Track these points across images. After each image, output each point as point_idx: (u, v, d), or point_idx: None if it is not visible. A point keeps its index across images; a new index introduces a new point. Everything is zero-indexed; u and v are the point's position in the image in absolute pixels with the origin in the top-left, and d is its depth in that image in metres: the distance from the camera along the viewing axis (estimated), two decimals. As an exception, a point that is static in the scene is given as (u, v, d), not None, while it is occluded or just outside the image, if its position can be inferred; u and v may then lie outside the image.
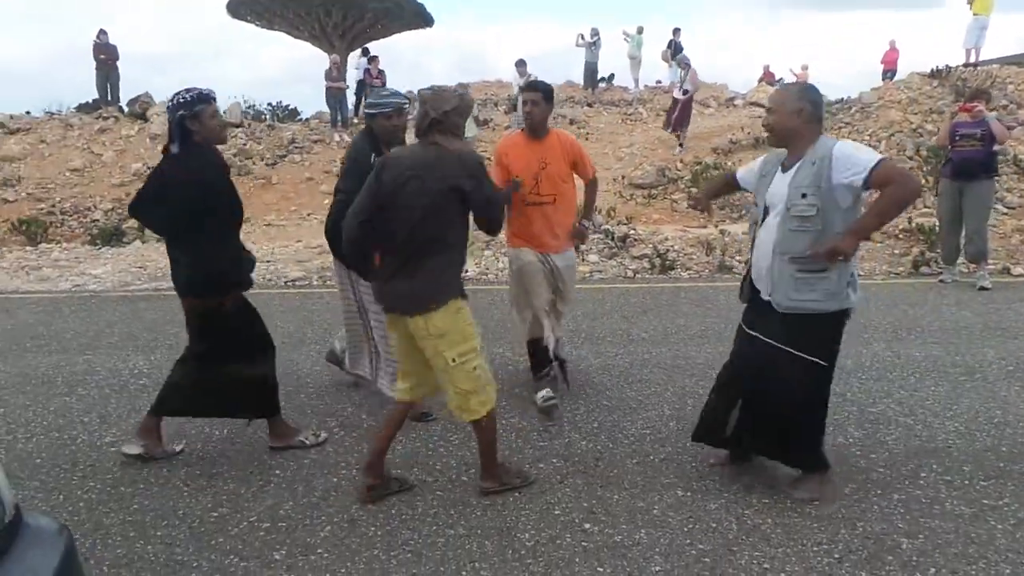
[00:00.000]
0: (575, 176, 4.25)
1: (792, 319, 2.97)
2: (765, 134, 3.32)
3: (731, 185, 3.52)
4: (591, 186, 4.40)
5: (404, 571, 2.65)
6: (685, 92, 13.50)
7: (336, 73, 15.63)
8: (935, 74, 14.96)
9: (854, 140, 13.19)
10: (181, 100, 3.15)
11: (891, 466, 3.44)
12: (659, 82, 20.81)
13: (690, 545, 2.80)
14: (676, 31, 18.17)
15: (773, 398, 3.07)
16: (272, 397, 3.63)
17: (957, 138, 6.96)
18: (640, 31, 18.86)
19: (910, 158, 12.09)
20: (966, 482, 3.27)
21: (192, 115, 3.15)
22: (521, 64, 14.51)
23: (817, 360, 3.00)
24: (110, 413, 4.21)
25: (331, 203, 3.96)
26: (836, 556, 2.72)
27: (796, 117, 2.95)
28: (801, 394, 3.04)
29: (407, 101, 3.97)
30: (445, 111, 2.92)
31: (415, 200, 2.89)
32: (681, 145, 13.92)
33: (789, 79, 21.85)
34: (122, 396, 4.46)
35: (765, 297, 3.08)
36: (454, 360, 2.93)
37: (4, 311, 6.76)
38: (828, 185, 2.84)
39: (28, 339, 5.78)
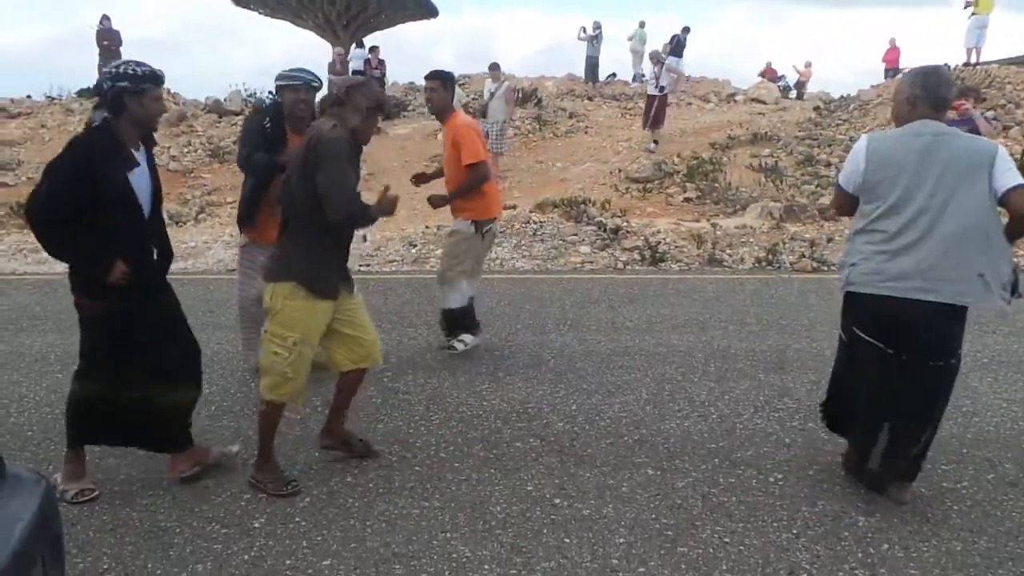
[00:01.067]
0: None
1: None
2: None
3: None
4: (467, 171, 4.50)
5: (378, 540, 2.76)
6: (661, 89, 13.01)
7: (340, 67, 15.42)
8: (934, 72, 14.98)
9: (852, 136, 13.33)
10: (128, 71, 2.77)
11: (857, 450, 3.54)
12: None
13: (655, 520, 2.90)
14: (685, 29, 18.17)
15: None
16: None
17: None
18: (642, 25, 18.92)
19: (905, 156, 12.15)
20: (928, 466, 3.34)
21: (137, 91, 2.78)
22: (495, 68, 12.92)
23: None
24: (102, 389, 4.31)
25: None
26: (794, 532, 2.82)
27: (907, 105, 2.89)
28: None
29: (317, 80, 4.11)
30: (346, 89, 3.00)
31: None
32: (656, 142, 13.38)
33: (791, 76, 21.93)
34: (114, 373, 4.56)
35: None
36: (266, 331, 3.02)
37: (1, 292, 6.87)
38: None
39: (24, 319, 5.89)
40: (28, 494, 1.62)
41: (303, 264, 2.95)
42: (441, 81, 4.51)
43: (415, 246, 8.92)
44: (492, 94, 12.16)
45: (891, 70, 19.05)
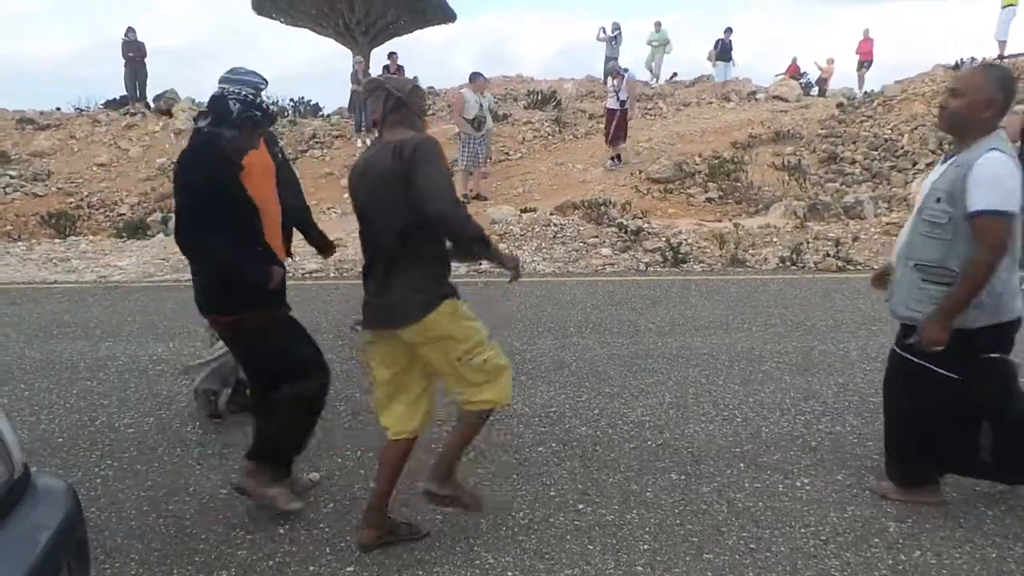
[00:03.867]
0: None
1: (907, 329, 2.82)
2: (940, 119, 2.80)
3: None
4: None
5: (401, 546, 2.75)
6: (621, 103, 12.35)
7: (362, 76, 15.41)
8: (959, 66, 14.74)
9: (876, 133, 13.13)
10: (264, 106, 2.88)
11: (887, 453, 3.47)
12: (675, 75, 20.77)
13: (679, 526, 2.87)
14: (727, 31, 18.05)
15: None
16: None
17: None
18: (658, 27, 18.85)
19: (932, 151, 11.94)
20: (960, 469, 3.29)
21: (255, 124, 2.84)
22: (477, 77, 11.33)
23: (946, 372, 2.71)
24: (128, 397, 4.37)
25: None
26: (823, 538, 2.77)
27: (987, 108, 2.59)
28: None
29: (265, 83, 3.69)
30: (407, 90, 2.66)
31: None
32: (617, 158, 12.70)
33: (814, 73, 21.67)
34: (141, 381, 4.63)
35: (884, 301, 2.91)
36: (458, 360, 2.61)
37: (33, 300, 7.00)
38: (961, 197, 2.55)
39: (55, 327, 5.99)
40: (54, 501, 1.64)
41: (436, 281, 2.61)
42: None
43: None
44: (482, 105, 10.99)
45: (866, 62, 18.97)
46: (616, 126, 12.60)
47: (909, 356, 2.80)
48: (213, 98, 2.85)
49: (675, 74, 21.00)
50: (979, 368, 2.71)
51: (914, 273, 2.74)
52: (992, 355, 2.73)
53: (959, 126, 2.69)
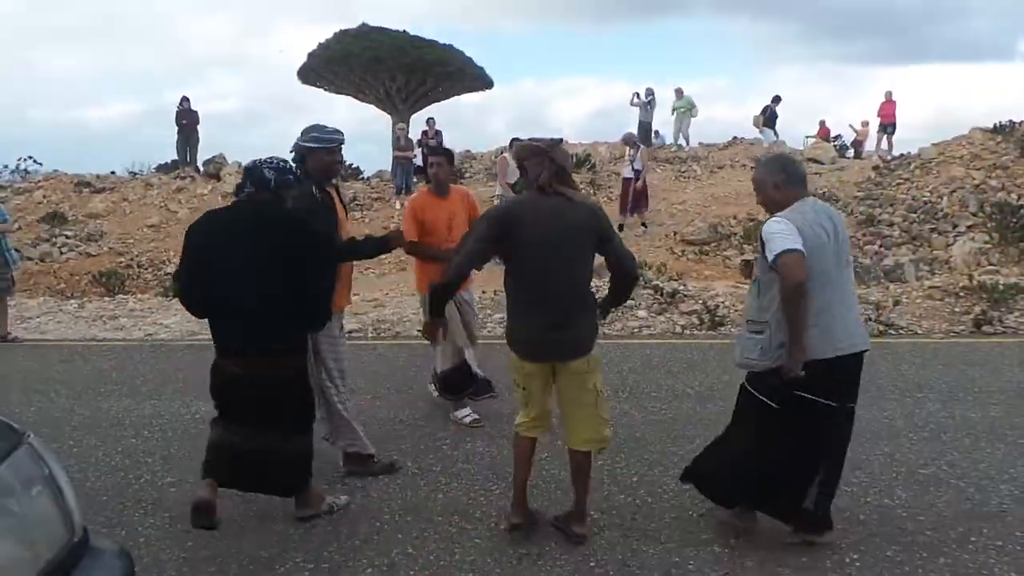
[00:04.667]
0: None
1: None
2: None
3: None
4: None
5: (439, 615, 2.73)
6: (636, 173, 12.61)
7: (403, 142, 15.86)
8: (998, 129, 14.66)
9: (914, 195, 13.04)
10: (294, 171, 3.44)
11: (939, 529, 3.35)
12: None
13: (724, 601, 2.79)
14: (776, 99, 18.37)
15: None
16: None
17: None
18: (679, 94, 19.04)
19: (974, 214, 11.80)
20: (1018, 548, 3.16)
21: (288, 186, 3.35)
22: (516, 141, 11.95)
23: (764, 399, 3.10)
24: (172, 455, 4.45)
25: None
26: (875, 618, 2.67)
27: (776, 190, 3.12)
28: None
29: (344, 137, 3.94)
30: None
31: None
32: (644, 226, 13.14)
33: (848, 135, 21.74)
34: (184, 439, 4.71)
35: None
36: (599, 390, 3.21)
37: (82, 358, 7.22)
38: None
39: (102, 384, 6.16)
40: (110, 566, 1.68)
41: (596, 329, 3.24)
42: (446, 157, 4.94)
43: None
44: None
45: (889, 125, 18.77)
46: (635, 195, 12.75)
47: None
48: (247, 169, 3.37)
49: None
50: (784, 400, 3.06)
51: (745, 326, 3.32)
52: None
53: (771, 211, 3.16)
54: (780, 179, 3.11)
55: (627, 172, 12.85)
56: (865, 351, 3.12)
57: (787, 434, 3.03)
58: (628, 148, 13.08)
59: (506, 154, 12.27)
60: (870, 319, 7.96)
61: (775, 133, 18.64)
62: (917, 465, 4.09)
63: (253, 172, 3.27)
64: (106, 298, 11.15)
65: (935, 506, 3.60)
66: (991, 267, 9.96)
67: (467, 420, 4.85)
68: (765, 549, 3.18)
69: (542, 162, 3.07)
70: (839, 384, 3.05)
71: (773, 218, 3.04)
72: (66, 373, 6.55)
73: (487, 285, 9.84)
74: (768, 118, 18.16)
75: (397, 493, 3.83)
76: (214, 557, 3.19)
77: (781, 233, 2.92)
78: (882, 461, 4.16)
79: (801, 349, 2.90)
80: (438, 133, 16.50)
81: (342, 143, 3.95)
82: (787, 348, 2.94)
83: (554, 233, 3.04)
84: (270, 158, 3.35)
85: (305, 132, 3.83)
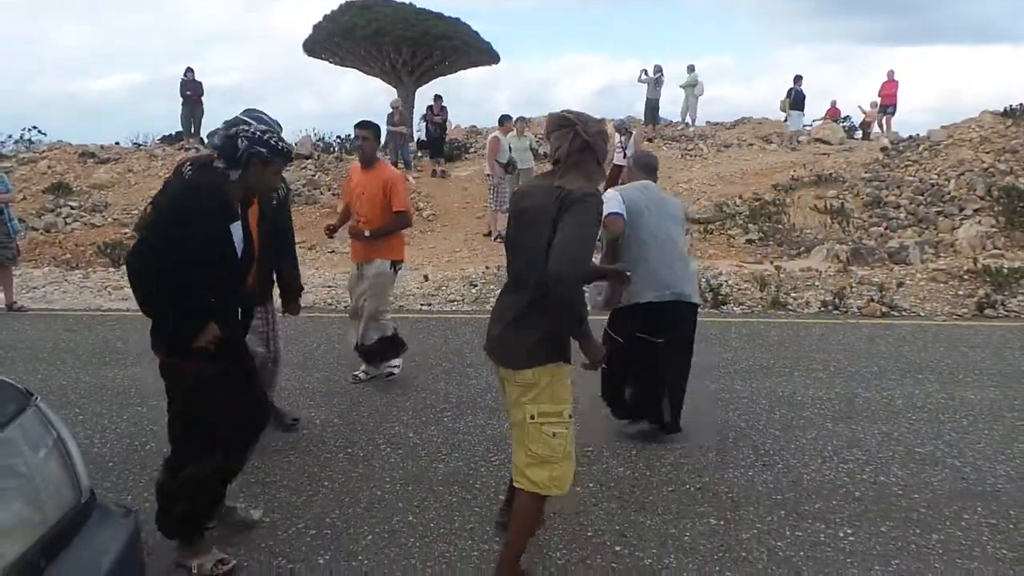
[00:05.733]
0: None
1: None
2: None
3: None
4: (396, 216, 4.94)
5: (438, 582, 2.78)
6: (628, 159, 12.67)
7: (398, 117, 15.66)
8: (1008, 113, 14.51)
9: (921, 178, 12.95)
10: (270, 141, 2.66)
11: (934, 507, 3.39)
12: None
13: (718, 572, 2.84)
14: (797, 79, 18.11)
15: None
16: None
17: None
18: (691, 69, 18.99)
19: (981, 198, 11.72)
20: (1011, 526, 3.20)
21: (267, 160, 2.69)
22: (505, 119, 12.40)
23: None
24: (177, 423, 4.50)
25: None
26: (866, 591, 2.72)
27: (628, 173, 4.37)
28: None
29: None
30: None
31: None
32: None
33: (856, 116, 21.52)
34: (188, 408, 4.76)
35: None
36: (532, 418, 2.54)
37: (88, 327, 7.27)
38: None
39: (108, 353, 6.21)
40: (116, 527, 1.72)
41: (562, 340, 2.58)
42: (373, 131, 5.01)
43: (475, 286, 9.04)
44: (511, 148, 11.79)
45: (889, 106, 18.54)
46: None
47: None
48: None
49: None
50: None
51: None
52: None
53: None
54: (634, 166, 4.39)
55: (618, 159, 12.74)
56: (688, 303, 3.97)
57: (633, 364, 4.00)
58: (619, 135, 12.96)
59: (496, 133, 12.26)
60: (872, 300, 7.98)
61: (802, 115, 18.33)
62: (914, 444, 4.13)
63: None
64: (111, 269, 11.18)
65: (930, 484, 3.63)
66: (996, 251, 9.92)
67: (397, 371, 5.22)
68: (761, 523, 3.22)
69: (566, 135, 2.54)
70: (662, 324, 3.91)
71: (611, 189, 4.04)
72: (71, 342, 6.60)
73: (491, 260, 9.85)
74: (794, 100, 17.89)
75: (399, 463, 3.88)
76: (218, 525, 3.23)
77: (608, 200, 3.75)
78: (879, 439, 4.20)
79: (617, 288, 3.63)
80: (443, 110, 16.35)
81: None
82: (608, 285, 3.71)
83: (515, 219, 2.61)
84: (269, 127, 2.69)
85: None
